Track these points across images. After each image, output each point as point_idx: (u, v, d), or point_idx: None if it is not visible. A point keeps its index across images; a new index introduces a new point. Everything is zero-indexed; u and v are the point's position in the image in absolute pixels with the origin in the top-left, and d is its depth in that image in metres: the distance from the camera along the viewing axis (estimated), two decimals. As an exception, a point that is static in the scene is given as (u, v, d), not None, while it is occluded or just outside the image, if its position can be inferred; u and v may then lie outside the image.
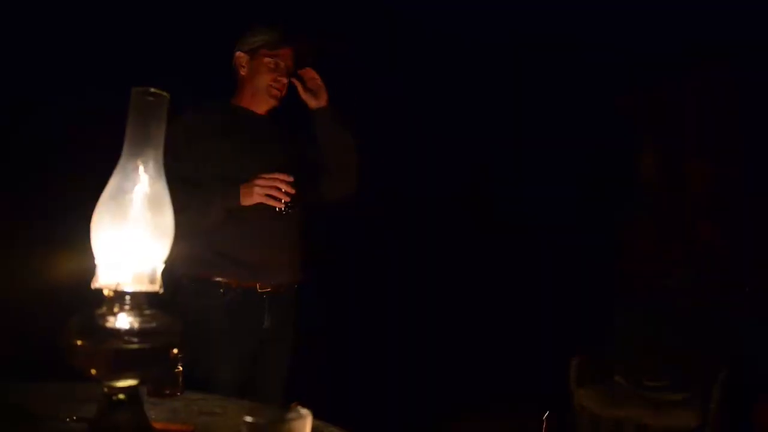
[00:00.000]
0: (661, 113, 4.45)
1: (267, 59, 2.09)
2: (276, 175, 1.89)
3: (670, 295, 3.68)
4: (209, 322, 1.95)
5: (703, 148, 4.08)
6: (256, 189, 1.88)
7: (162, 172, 0.95)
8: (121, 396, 0.90)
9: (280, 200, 1.89)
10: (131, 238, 0.91)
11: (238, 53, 2.14)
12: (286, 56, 2.12)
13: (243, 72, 2.14)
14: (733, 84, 4.14)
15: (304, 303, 2.21)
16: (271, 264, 2.03)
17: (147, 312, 0.91)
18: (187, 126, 1.99)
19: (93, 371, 0.88)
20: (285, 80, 2.11)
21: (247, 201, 1.90)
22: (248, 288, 2.00)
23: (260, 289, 2.01)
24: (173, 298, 1.97)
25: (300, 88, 2.13)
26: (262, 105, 2.12)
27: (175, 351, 0.92)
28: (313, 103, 2.13)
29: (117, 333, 0.87)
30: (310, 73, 2.14)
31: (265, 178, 1.89)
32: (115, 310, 0.89)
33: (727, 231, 3.76)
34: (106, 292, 0.89)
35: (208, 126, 2.03)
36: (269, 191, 1.88)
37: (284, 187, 1.89)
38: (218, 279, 1.98)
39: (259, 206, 1.95)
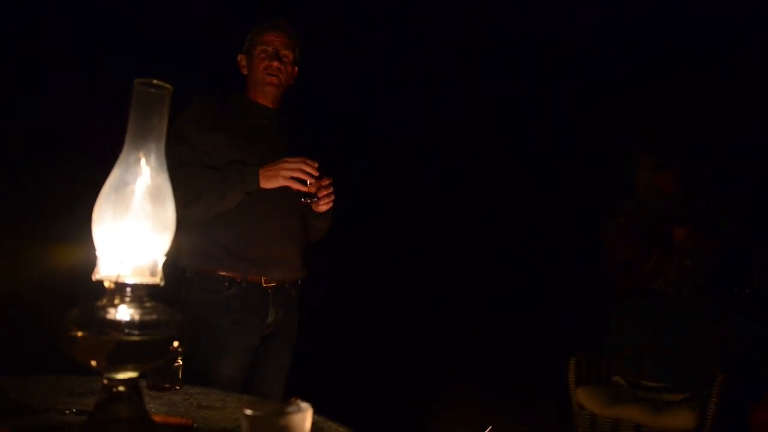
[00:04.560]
0: (646, 118, 4.45)
1: (257, 50, 2.15)
2: (303, 159, 1.90)
3: (664, 298, 3.68)
4: (213, 315, 1.96)
5: (687, 155, 4.10)
6: (282, 171, 1.89)
7: (164, 165, 0.94)
8: (121, 388, 0.89)
9: (305, 183, 1.90)
10: (132, 230, 0.90)
11: (238, 56, 2.22)
12: (274, 41, 2.15)
13: (245, 71, 2.20)
14: (719, 89, 4.16)
15: (307, 298, 2.22)
16: (276, 259, 2.06)
17: (148, 304, 0.90)
18: (198, 115, 2.03)
19: (93, 363, 0.87)
20: (276, 63, 2.13)
21: (268, 184, 1.91)
22: (253, 282, 2.01)
23: (265, 283, 2.03)
24: (179, 290, 1.99)
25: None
26: (265, 95, 2.15)
27: (176, 344, 0.92)
28: (315, 208, 2.10)
29: (117, 325, 0.87)
30: (328, 189, 2.06)
31: (291, 161, 1.90)
32: (116, 302, 0.89)
33: (709, 235, 3.76)
34: (106, 284, 0.89)
35: (219, 116, 2.06)
36: (295, 173, 1.89)
37: (309, 170, 1.89)
38: (223, 273, 1.99)
39: (272, 197, 1.98)
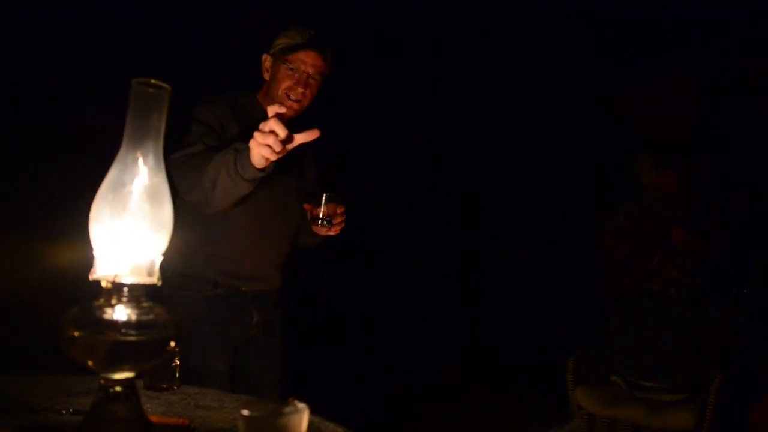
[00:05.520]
0: (646, 118, 4.46)
1: (284, 65, 1.95)
2: (270, 126, 1.49)
3: (664, 298, 3.67)
4: (197, 312, 1.94)
5: (687, 155, 4.10)
6: (254, 149, 1.52)
7: (162, 164, 0.94)
8: (118, 388, 0.89)
9: (278, 152, 1.51)
10: (130, 230, 0.90)
11: (264, 55, 2.04)
12: (307, 63, 1.94)
13: (266, 75, 2.04)
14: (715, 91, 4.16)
15: (307, 298, 2.22)
16: (254, 277, 2.03)
17: (145, 304, 0.90)
18: (211, 119, 1.91)
19: (90, 363, 0.87)
20: (301, 89, 1.95)
21: (256, 162, 1.56)
22: (234, 286, 2.00)
23: (245, 288, 2.02)
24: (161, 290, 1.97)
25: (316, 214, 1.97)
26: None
27: (172, 344, 0.92)
28: (323, 231, 2.02)
29: (114, 325, 0.87)
30: (340, 216, 1.98)
31: (257, 133, 1.51)
32: (113, 301, 0.89)
33: (706, 236, 3.76)
34: (104, 284, 0.89)
35: (231, 124, 1.94)
36: (264, 151, 1.50)
37: (280, 133, 1.48)
38: (205, 277, 1.97)
39: (266, 218, 1.96)
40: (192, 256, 1.95)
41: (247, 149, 1.54)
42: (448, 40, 4.68)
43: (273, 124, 1.48)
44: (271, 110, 1.51)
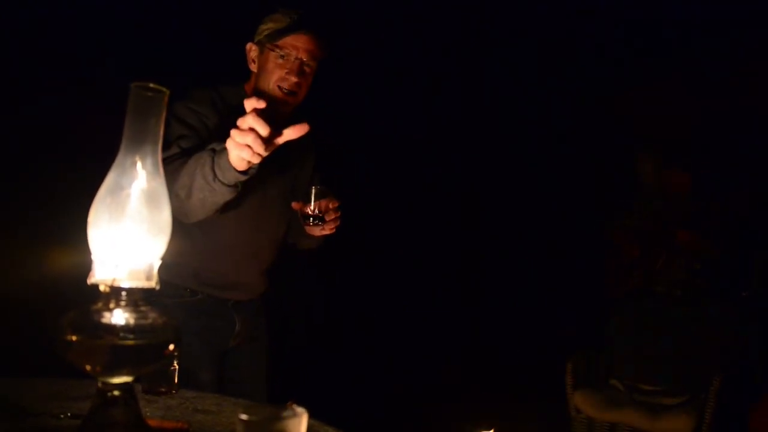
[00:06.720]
0: (646, 118, 4.45)
1: (273, 52, 1.75)
2: (250, 125, 1.31)
3: (665, 299, 3.67)
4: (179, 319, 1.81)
5: (687, 155, 4.10)
6: (232, 151, 1.36)
7: (160, 168, 0.94)
8: (116, 392, 0.89)
9: (257, 154, 1.34)
10: (128, 234, 0.90)
11: (248, 44, 1.84)
12: (298, 48, 1.74)
13: (253, 67, 1.84)
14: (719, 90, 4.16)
15: (307, 299, 2.20)
16: (237, 286, 1.93)
17: (143, 308, 0.90)
18: (192, 118, 1.74)
19: (88, 367, 0.87)
20: (294, 78, 1.74)
21: (236, 165, 1.40)
22: (213, 295, 1.89)
23: (226, 297, 1.91)
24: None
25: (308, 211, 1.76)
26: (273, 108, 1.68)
27: (171, 348, 0.92)
28: (316, 231, 1.82)
29: (112, 329, 0.87)
30: (334, 212, 1.78)
31: (236, 132, 1.33)
32: (111, 305, 0.88)
33: (712, 238, 3.76)
34: (102, 288, 0.89)
35: (215, 122, 1.76)
36: (243, 151, 1.33)
37: (261, 130, 1.31)
38: (181, 285, 1.85)
39: (253, 220, 1.83)
40: (171, 266, 1.81)
41: (226, 150, 1.37)
42: (448, 40, 4.67)
43: (252, 121, 1.30)
44: (249, 104, 1.31)
